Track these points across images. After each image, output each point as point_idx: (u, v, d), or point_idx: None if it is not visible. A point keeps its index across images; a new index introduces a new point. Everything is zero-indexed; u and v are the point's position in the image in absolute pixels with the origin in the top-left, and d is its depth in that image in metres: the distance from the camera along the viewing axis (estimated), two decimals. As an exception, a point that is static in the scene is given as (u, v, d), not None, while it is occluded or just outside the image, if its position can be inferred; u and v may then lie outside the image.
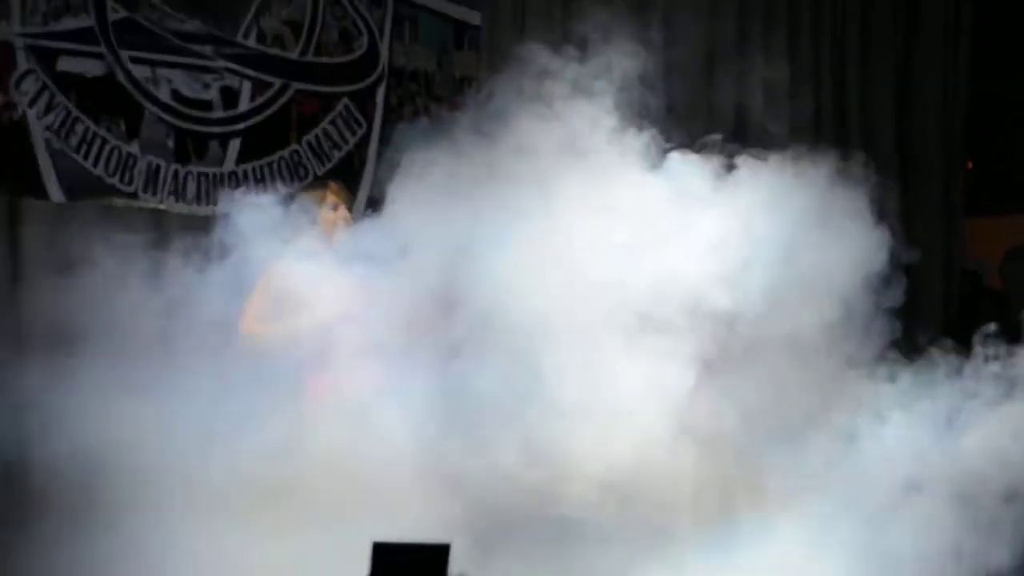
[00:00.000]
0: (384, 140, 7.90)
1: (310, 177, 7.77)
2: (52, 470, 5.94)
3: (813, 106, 9.30)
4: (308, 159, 7.93)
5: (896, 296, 6.08)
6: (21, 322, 6.56)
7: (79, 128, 7.23)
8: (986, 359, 6.01)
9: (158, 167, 7.45)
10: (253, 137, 7.75)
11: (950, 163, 9.92)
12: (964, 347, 6.08)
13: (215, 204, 6.92)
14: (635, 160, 6.05)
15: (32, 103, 7.10)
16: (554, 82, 6.04)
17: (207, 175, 7.59)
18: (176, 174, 7.50)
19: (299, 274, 6.09)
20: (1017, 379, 5.97)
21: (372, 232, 6.22)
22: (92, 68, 7.32)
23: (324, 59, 8.04)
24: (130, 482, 5.77)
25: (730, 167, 6.08)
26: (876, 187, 6.13)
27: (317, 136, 7.97)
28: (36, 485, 6.44)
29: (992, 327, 6.06)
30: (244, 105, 7.76)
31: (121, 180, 7.34)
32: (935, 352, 6.04)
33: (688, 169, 6.04)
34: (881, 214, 6.09)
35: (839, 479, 5.85)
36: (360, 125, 8.11)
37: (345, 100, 8.09)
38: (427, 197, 6.05)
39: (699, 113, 8.77)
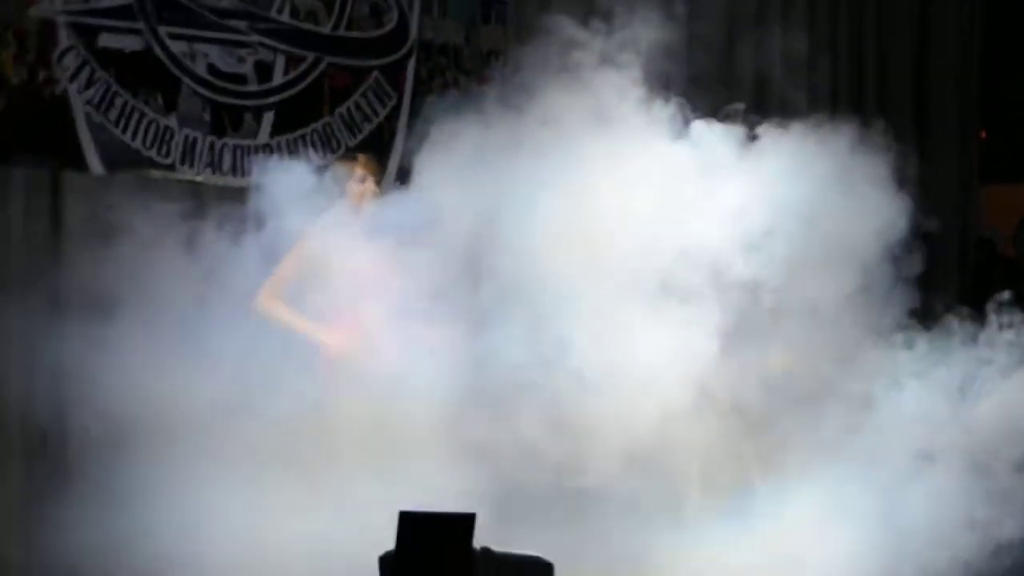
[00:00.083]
0: (414, 112, 7.77)
1: (342, 149, 7.65)
2: (87, 437, 5.88)
3: (831, 77, 9.16)
4: (340, 131, 7.82)
5: (916, 264, 5.96)
6: (60, 291, 6.48)
7: (118, 102, 7.13)
8: (1000, 327, 5.89)
9: (195, 140, 7.35)
10: (287, 110, 7.64)
11: (964, 132, 9.78)
12: (978, 315, 5.95)
13: (250, 175, 6.81)
14: (660, 129, 5.94)
15: (73, 78, 7.00)
16: (580, 53, 5.92)
17: (242, 147, 7.48)
18: (212, 146, 7.40)
19: (326, 246, 5.98)
20: (1030, 347, 5.85)
21: (400, 203, 6.13)
22: (131, 44, 7.20)
23: (355, 33, 7.92)
24: (164, 447, 5.72)
25: (752, 136, 5.96)
26: (896, 155, 6.00)
27: (349, 108, 7.86)
28: (72, 452, 6.38)
29: (1006, 295, 5.93)
30: (278, 79, 7.64)
31: (159, 152, 7.24)
32: (950, 319, 5.92)
33: (712, 138, 5.94)
34: (901, 182, 5.96)
35: (855, 447, 5.72)
36: (390, 98, 8.00)
37: (376, 73, 7.96)
38: (455, 168, 5.97)
39: (720, 83, 8.63)
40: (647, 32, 5.96)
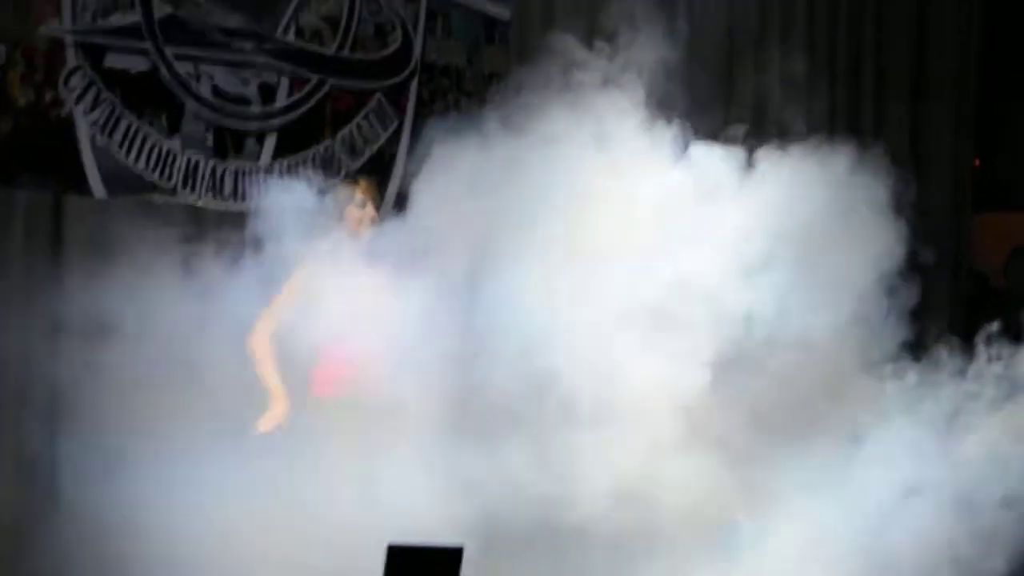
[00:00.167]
0: (415, 135, 7.70)
1: (343, 172, 7.58)
2: (78, 465, 5.83)
3: (828, 102, 9.09)
4: (341, 154, 7.76)
5: (911, 296, 5.88)
6: (59, 316, 6.41)
7: (123, 124, 7.07)
8: (989, 359, 5.81)
9: (197, 163, 7.30)
10: (289, 132, 7.58)
11: (959, 160, 9.70)
12: (968, 346, 5.87)
13: (250, 200, 6.77)
14: (660, 152, 5.88)
15: (79, 99, 6.95)
16: (582, 73, 5.85)
17: (243, 170, 7.43)
18: (214, 170, 7.34)
19: (321, 275, 5.91)
20: (1018, 380, 5.77)
21: (396, 230, 6.06)
22: (137, 64, 7.15)
23: (360, 55, 7.86)
24: (158, 471, 5.66)
25: (751, 159, 5.88)
26: (894, 180, 5.93)
27: (351, 131, 7.80)
28: (65, 474, 6.33)
29: (995, 326, 5.85)
30: (281, 101, 7.58)
31: (161, 176, 7.18)
32: (940, 351, 5.85)
33: (711, 161, 5.87)
34: (898, 209, 5.89)
35: (841, 481, 5.66)
36: (392, 120, 7.94)
37: (379, 95, 7.91)
38: (453, 193, 5.91)
39: (720, 104, 8.56)
40: (649, 53, 5.89)
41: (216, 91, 7.36)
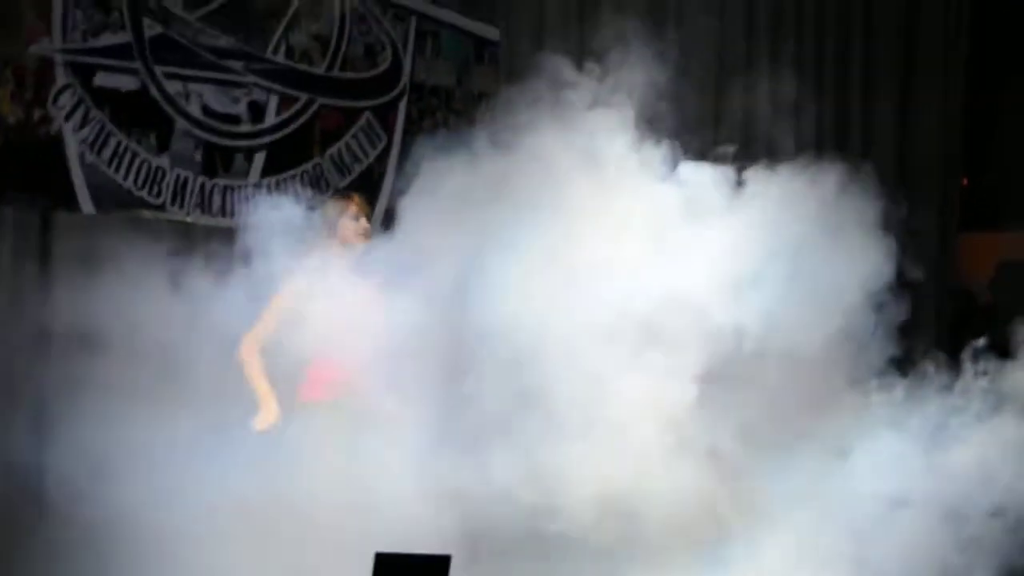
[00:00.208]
0: (404, 153, 7.73)
1: (331, 191, 7.57)
2: (63, 474, 5.83)
3: (815, 124, 9.12)
4: (330, 172, 7.80)
5: (900, 313, 5.91)
6: (47, 331, 6.43)
7: (112, 142, 7.10)
8: (976, 374, 5.83)
9: (186, 180, 7.32)
10: (277, 151, 7.62)
11: (945, 182, 9.72)
12: (955, 362, 5.89)
13: (239, 216, 6.76)
14: (649, 171, 5.89)
15: (68, 117, 6.98)
16: (571, 93, 5.88)
17: (232, 188, 7.46)
18: (203, 187, 7.37)
19: (310, 290, 5.92)
20: (1005, 394, 5.79)
21: (385, 246, 6.07)
22: (127, 83, 7.19)
23: (349, 74, 7.90)
24: (145, 485, 5.65)
25: (741, 178, 5.91)
26: (883, 200, 5.96)
27: (339, 150, 7.83)
28: (51, 488, 6.32)
29: (982, 341, 5.88)
30: (270, 119, 7.62)
31: (150, 193, 7.21)
32: (927, 366, 5.87)
33: (700, 180, 5.88)
34: (887, 228, 5.92)
35: (829, 494, 5.67)
36: (381, 139, 7.97)
37: (367, 114, 7.95)
38: (441, 210, 5.92)
39: (707, 125, 8.60)
40: (638, 74, 5.92)
41: (205, 110, 7.40)
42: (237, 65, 7.51)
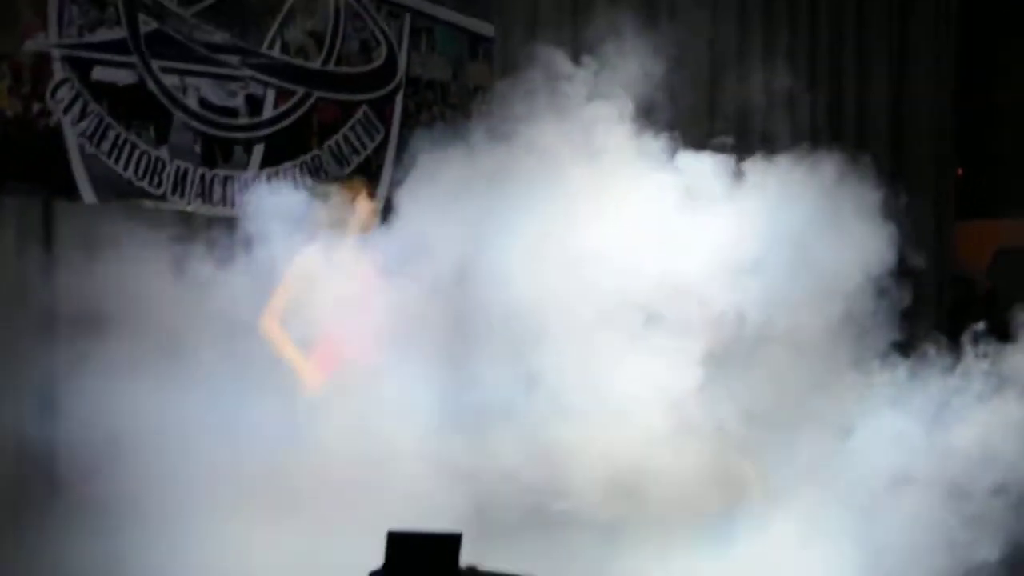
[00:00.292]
0: (401, 145, 7.80)
1: (331, 180, 7.61)
2: (71, 453, 5.86)
3: (809, 114, 9.19)
4: (329, 163, 7.84)
5: (902, 299, 5.97)
6: (52, 318, 6.47)
7: (111, 134, 7.14)
8: (976, 356, 5.89)
9: (186, 171, 7.37)
10: (276, 142, 7.66)
11: (941, 169, 9.79)
12: (955, 346, 5.95)
13: (239, 205, 6.81)
14: (646, 161, 5.94)
15: (67, 111, 7.01)
16: (567, 85, 5.93)
17: (232, 178, 7.50)
18: (203, 177, 7.42)
19: (320, 270, 5.97)
20: (1005, 376, 5.85)
21: (387, 232, 6.12)
22: (124, 77, 7.22)
23: (345, 68, 7.94)
24: (151, 467, 5.69)
25: (739, 168, 5.97)
26: (881, 188, 6.02)
27: (338, 142, 7.88)
28: (60, 471, 6.36)
29: (981, 325, 5.94)
30: (268, 112, 7.66)
31: (150, 183, 7.25)
32: (929, 348, 5.93)
33: (699, 169, 5.93)
34: (886, 216, 5.98)
35: (834, 472, 5.72)
36: (378, 131, 8.02)
37: (364, 107, 8.00)
38: (439, 200, 5.97)
39: (702, 116, 8.67)
40: (632, 65, 5.97)
41: (203, 103, 7.43)
42: (233, 60, 7.55)
